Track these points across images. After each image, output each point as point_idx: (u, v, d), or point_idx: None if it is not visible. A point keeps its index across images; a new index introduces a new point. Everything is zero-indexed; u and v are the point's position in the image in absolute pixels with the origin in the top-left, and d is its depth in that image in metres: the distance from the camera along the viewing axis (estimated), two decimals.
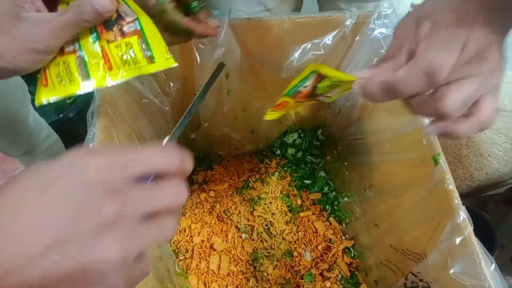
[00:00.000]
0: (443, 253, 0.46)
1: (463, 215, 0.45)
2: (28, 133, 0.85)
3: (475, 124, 0.34)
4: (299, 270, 0.74)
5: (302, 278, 0.73)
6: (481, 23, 0.32)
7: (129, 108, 0.57)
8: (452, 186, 0.47)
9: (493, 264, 0.42)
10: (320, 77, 0.40)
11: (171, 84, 0.65)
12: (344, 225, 0.78)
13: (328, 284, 0.73)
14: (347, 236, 0.77)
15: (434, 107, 0.34)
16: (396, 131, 0.59)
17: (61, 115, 1.20)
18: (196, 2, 0.44)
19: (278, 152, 0.87)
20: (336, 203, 0.80)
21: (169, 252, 0.65)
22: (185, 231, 0.78)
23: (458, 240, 0.44)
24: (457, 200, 0.46)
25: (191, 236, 0.77)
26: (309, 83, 0.41)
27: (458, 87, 0.33)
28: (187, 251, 0.76)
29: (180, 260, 0.75)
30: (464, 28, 0.32)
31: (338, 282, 0.73)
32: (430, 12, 0.35)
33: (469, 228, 0.44)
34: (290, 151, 0.86)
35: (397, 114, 0.59)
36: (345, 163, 0.76)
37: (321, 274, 0.74)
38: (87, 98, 0.53)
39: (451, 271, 0.43)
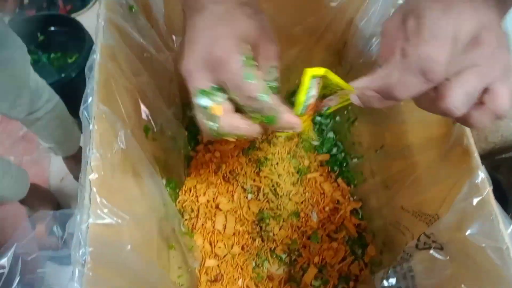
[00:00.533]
0: (458, 215, 0.44)
1: (482, 175, 0.42)
2: (29, 95, 0.82)
3: (491, 114, 0.32)
4: (306, 230, 0.73)
5: (308, 239, 0.72)
6: (469, 7, 0.29)
7: (130, 62, 0.54)
8: (471, 145, 0.45)
9: None
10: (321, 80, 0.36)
11: (174, 37, 0.62)
12: (352, 186, 0.77)
13: (335, 244, 0.72)
14: (355, 197, 0.76)
15: (439, 106, 0.32)
16: None
17: (62, 75, 1.17)
18: (275, 82, 0.36)
19: None
20: (344, 164, 0.78)
21: (174, 211, 0.64)
22: (190, 191, 0.76)
23: (475, 201, 0.42)
24: (476, 160, 0.44)
25: (197, 196, 0.76)
26: (314, 91, 0.37)
27: (459, 82, 0.30)
28: (192, 210, 0.75)
29: (186, 219, 0.74)
30: (451, 17, 0.29)
31: (345, 243, 0.73)
32: (414, 7, 0.32)
33: (488, 189, 0.42)
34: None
35: None
36: (355, 123, 0.73)
37: (328, 235, 0.73)
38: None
39: (467, 232, 0.41)
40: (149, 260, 0.50)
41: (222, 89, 0.35)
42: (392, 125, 0.62)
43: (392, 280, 0.49)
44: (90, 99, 0.46)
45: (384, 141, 0.65)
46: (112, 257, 0.43)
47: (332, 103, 0.41)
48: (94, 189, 0.43)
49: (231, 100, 0.35)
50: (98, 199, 0.43)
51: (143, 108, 0.59)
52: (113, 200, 0.45)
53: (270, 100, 0.34)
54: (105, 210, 0.43)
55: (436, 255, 0.46)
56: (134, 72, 0.55)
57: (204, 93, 0.35)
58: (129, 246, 0.45)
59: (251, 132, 0.37)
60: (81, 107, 0.47)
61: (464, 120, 0.33)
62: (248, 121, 0.36)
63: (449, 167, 0.49)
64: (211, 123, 0.35)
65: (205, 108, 0.35)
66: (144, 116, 0.59)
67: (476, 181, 0.42)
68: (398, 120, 0.59)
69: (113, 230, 0.44)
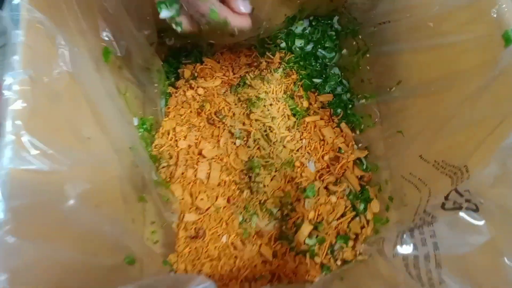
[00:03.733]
0: (503, 166, 0.33)
1: None
2: None
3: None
4: (301, 182, 0.64)
5: (303, 192, 0.63)
6: None
7: None
8: None
9: None
10: None
11: None
12: (358, 132, 0.66)
13: (333, 198, 0.63)
14: (360, 145, 0.65)
15: None
16: (446, 4, 0.43)
17: None
18: None
19: (283, 44, 0.71)
20: (350, 106, 0.67)
21: (145, 156, 0.54)
22: (168, 134, 0.66)
23: None
24: None
25: (176, 140, 0.65)
26: None
27: None
28: (171, 157, 0.65)
29: (163, 167, 0.64)
30: None
31: (345, 197, 0.63)
32: None
33: None
34: (298, 43, 0.70)
35: None
36: (367, 55, 0.61)
37: (326, 188, 0.64)
38: None
39: None
40: (107, 214, 0.40)
41: None
42: (414, 53, 0.50)
43: (408, 247, 0.39)
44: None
45: (402, 75, 0.53)
46: (47, 214, 0.33)
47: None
48: (19, 122, 0.32)
49: None
50: (26, 137, 0.32)
51: (101, 23, 0.46)
52: (52, 138, 0.34)
53: (219, 16, 0.38)
54: (35, 152, 0.32)
55: (468, 218, 0.36)
56: None
57: (162, 4, 0.38)
58: (72, 200, 0.34)
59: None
60: (4, 11, 0.34)
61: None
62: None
63: (489, 105, 0.38)
64: (177, 28, 0.41)
65: (168, 18, 0.40)
66: (103, 35, 0.47)
67: None
68: (423, 46, 0.47)
69: (48, 178, 0.33)
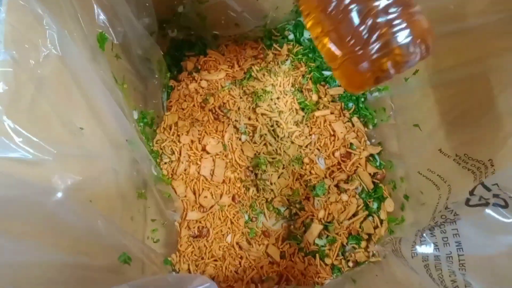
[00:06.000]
0: None
1: None
2: None
3: None
4: (310, 179, 0.61)
5: (313, 190, 0.59)
6: None
7: None
8: None
9: None
10: None
11: None
12: (371, 127, 0.62)
13: (345, 197, 0.59)
14: (373, 141, 0.62)
15: None
16: None
17: None
18: None
19: (292, 36, 0.68)
20: (362, 99, 0.63)
21: (145, 152, 0.51)
22: (170, 128, 0.63)
23: None
24: None
25: (178, 135, 0.62)
26: None
27: None
28: (173, 152, 0.62)
29: (165, 163, 0.62)
30: None
31: (357, 196, 0.60)
32: None
33: None
34: (307, 34, 0.67)
35: None
36: None
37: (337, 186, 0.61)
38: None
39: None
40: (102, 210, 0.37)
41: None
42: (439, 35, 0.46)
43: (428, 247, 0.35)
44: None
45: (419, 63, 0.49)
46: (31, 208, 0.30)
47: None
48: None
49: None
50: (8, 123, 0.29)
51: (97, 8, 0.43)
52: (37, 126, 0.32)
53: None
54: (18, 139, 0.29)
55: (496, 215, 0.32)
56: None
57: None
58: (60, 193, 0.31)
59: None
60: None
61: None
62: None
63: None
64: None
65: None
66: (99, 20, 0.44)
67: None
68: (443, 32, 0.43)
69: (33, 169, 0.30)
